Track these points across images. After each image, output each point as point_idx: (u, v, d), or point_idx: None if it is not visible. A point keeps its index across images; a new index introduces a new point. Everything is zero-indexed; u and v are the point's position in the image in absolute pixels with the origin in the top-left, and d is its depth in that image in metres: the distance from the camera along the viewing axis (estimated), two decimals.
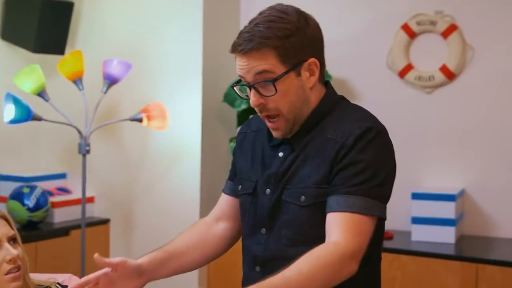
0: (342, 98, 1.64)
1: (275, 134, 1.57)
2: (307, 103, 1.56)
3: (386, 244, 3.06)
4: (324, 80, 1.61)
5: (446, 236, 3.05)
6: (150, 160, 3.68)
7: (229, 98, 3.52)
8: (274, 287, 1.39)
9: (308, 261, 1.41)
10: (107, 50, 3.65)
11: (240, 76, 1.54)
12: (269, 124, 1.56)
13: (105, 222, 3.69)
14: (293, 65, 1.52)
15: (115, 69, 3.33)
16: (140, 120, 3.36)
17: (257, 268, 1.61)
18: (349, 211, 1.44)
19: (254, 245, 1.63)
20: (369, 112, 1.59)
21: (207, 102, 3.59)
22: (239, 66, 1.54)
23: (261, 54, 1.50)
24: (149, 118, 3.38)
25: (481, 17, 3.24)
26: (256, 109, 1.55)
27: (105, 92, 3.33)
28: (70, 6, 3.63)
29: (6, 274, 1.59)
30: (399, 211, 3.09)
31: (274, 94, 1.51)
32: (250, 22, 1.54)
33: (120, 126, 3.71)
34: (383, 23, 3.42)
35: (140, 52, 3.63)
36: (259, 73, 1.50)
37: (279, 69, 1.51)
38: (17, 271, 1.62)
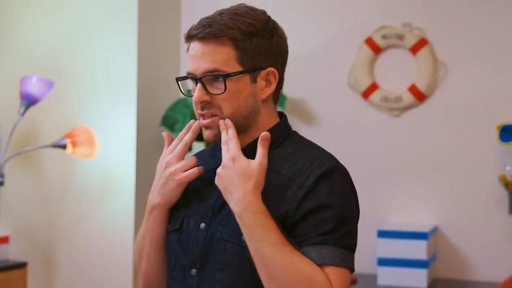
0: (295, 132, 1.68)
1: (206, 134, 1.56)
2: (254, 116, 1.57)
3: None
4: (278, 99, 1.64)
5: (417, 279, 3.04)
6: (76, 193, 3.62)
7: (168, 122, 3.48)
8: (272, 231, 1.47)
9: (307, 263, 1.47)
10: (25, 65, 3.64)
11: (188, 72, 1.56)
12: (202, 121, 1.56)
13: (21, 266, 3.54)
14: (250, 67, 1.53)
15: (34, 87, 3.36)
16: (64, 147, 3.37)
17: None
18: (328, 264, 1.47)
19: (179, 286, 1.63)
20: (326, 151, 1.62)
21: (143, 126, 3.56)
22: (190, 56, 1.55)
23: (219, 43, 1.51)
24: (74, 144, 3.38)
25: (454, 31, 3.28)
26: (197, 106, 1.55)
27: (23, 114, 3.35)
28: None
29: None
30: (363, 251, 3.11)
31: (222, 93, 1.51)
32: (216, 12, 1.57)
33: (40, 154, 3.66)
34: (344, 36, 3.46)
35: (64, 68, 3.60)
36: (211, 71, 1.51)
37: (234, 67, 1.52)
38: None
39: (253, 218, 1.45)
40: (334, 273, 1.44)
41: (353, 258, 1.51)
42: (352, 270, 1.50)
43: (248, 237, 1.47)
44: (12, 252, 3.65)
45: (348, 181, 1.56)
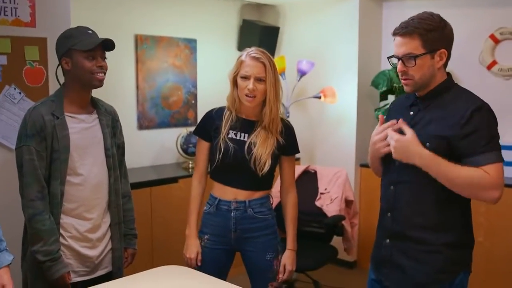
0: (457, 84, 1.96)
1: (405, 88, 1.88)
2: (433, 77, 1.86)
3: None
4: (446, 66, 1.89)
5: None
6: (325, 120, 4.43)
7: (375, 83, 4.25)
8: (442, 163, 1.65)
9: (469, 168, 1.67)
10: (300, 53, 4.49)
11: (394, 54, 1.86)
12: (403, 81, 1.88)
13: None
14: (430, 50, 1.81)
15: (304, 66, 4.31)
16: (319, 97, 4.22)
17: (392, 187, 1.96)
18: (489, 163, 1.73)
19: (388, 173, 1.99)
20: (476, 95, 1.89)
21: (361, 86, 4.30)
22: (395, 45, 1.83)
23: (410, 37, 1.80)
24: (325, 96, 4.19)
25: None
26: (399, 73, 1.87)
27: (299, 80, 4.35)
28: (276, 30, 4.67)
29: None
30: None
31: (413, 66, 1.81)
32: (409, 18, 1.85)
33: (307, 101, 4.49)
34: (478, 33, 4.02)
35: (319, 55, 4.48)
36: (407, 54, 1.82)
37: (420, 50, 1.80)
38: None
39: (428, 159, 1.73)
40: (493, 167, 1.72)
41: (501, 154, 1.77)
42: (503, 161, 1.75)
43: (429, 170, 1.71)
44: None
45: (491, 111, 1.82)
